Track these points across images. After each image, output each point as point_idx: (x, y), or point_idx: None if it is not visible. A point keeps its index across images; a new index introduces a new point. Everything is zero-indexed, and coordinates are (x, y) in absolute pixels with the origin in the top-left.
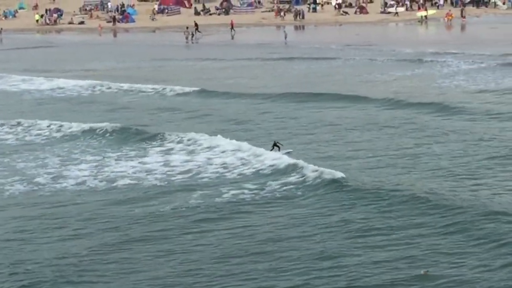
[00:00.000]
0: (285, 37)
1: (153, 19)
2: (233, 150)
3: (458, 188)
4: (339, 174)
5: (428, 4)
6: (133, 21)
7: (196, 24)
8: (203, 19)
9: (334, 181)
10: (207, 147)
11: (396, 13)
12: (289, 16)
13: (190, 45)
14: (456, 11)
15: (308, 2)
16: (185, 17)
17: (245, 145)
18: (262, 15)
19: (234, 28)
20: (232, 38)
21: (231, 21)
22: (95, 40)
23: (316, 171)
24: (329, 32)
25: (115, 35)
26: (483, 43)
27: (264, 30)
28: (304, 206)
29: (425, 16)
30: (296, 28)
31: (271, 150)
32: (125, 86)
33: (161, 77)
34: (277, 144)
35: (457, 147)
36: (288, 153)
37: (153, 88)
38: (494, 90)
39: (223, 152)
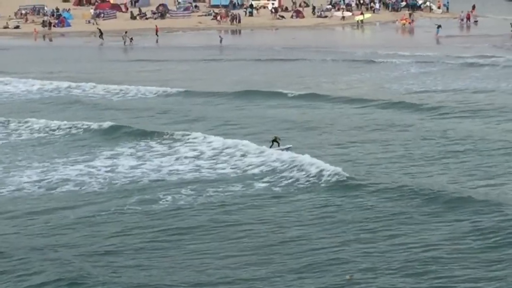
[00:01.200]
0: (220, 41)
1: (93, 23)
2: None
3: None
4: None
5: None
6: (68, 25)
7: (100, 30)
8: (139, 23)
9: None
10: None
11: (343, 17)
12: (226, 20)
13: (128, 49)
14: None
15: (245, 6)
16: (121, 21)
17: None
18: (198, 19)
19: (158, 34)
20: (157, 42)
21: (156, 26)
22: (33, 44)
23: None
24: (266, 36)
25: (50, 40)
26: (423, 46)
27: (201, 34)
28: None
29: (361, 21)
30: (233, 32)
31: (271, 146)
32: (79, 88)
33: (115, 78)
34: (277, 140)
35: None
36: (288, 149)
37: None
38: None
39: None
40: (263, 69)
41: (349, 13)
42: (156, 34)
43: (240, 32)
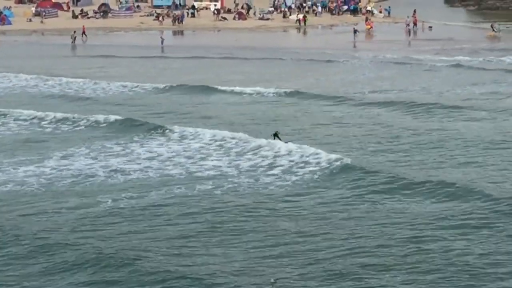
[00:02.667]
0: (162, 42)
1: (41, 21)
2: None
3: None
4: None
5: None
6: (9, 23)
7: None
8: (81, 22)
9: None
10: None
11: (298, 20)
12: (168, 21)
13: (73, 47)
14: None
15: (187, 7)
16: (63, 20)
17: None
18: (140, 19)
19: (85, 34)
20: (84, 42)
21: (83, 26)
22: None
23: None
24: (209, 37)
25: None
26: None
27: (143, 34)
28: None
29: (304, 23)
30: (175, 33)
31: (274, 139)
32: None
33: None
34: (278, 135)
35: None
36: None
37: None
38: None
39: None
40: (215, 69)
41: (301, 15)
42: (83, 34)
43: (182, 33)
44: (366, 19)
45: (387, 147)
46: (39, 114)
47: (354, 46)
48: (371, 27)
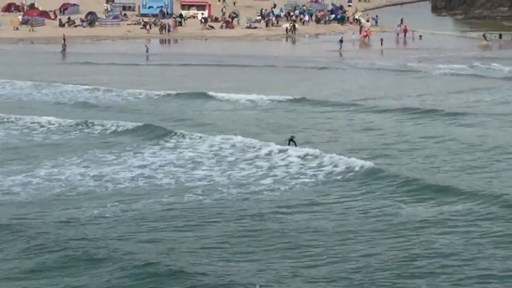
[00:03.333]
0: (147, 51)
1: (30, 30)
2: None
3: None
4: None
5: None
6: None
7: None
8: (68, 31)
9: None
10: None
11: (288, 28)
12: (155, 29)
13: (63, 55)
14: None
15: (174, 16)
16: (50, 28)
17: None
18: (127, 27)
19: (66, 43)
20: (64, 50)
21: (63, 35)
22: None
23: None
24: (197, 46)
25: None
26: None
27: (130, 42)
28: None
29: (293, 31)
30: (162, 41)
31: (288, 145)
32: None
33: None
34: (293, 140)
35: None
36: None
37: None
38: None
39: None
40: (211, 77)
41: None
42: (64, 43)
43: (170, 42)
44: (361, 28)
45: (398, 152)
46: (30, 121)
47: (340, 55)
48: (366, 35)
